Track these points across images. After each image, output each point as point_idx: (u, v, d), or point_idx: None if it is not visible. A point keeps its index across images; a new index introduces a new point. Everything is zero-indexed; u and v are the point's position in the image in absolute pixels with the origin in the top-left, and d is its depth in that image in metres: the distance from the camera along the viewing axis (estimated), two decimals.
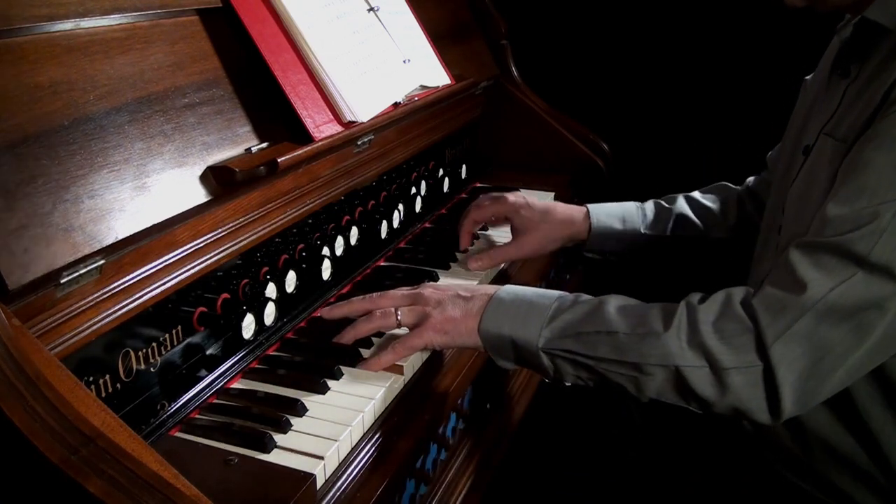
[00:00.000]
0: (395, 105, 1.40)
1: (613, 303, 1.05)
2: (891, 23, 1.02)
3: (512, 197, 1.49)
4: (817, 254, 0.95)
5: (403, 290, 1.16)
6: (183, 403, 1.00)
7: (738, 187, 1.54)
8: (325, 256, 1.31)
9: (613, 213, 1.50)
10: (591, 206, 1.50)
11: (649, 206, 1.52)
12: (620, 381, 1.02)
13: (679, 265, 1.55)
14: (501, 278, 1.50)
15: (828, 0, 1.08)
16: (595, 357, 1.02)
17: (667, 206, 1.51)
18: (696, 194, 1.54)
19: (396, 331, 1.15)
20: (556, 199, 1.92)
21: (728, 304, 0.99)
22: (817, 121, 1.14)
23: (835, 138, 1.06)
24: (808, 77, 1.30)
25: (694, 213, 1.50)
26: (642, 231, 1.48)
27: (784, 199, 1.17)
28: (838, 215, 0.95)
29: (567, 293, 1.10)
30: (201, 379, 1.04)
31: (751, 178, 1.54)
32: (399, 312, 1.13)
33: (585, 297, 1.09)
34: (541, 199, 1.86)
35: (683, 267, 1.55)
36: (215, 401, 1.03)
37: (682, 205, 1.51)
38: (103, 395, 0.91)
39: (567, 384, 1.08)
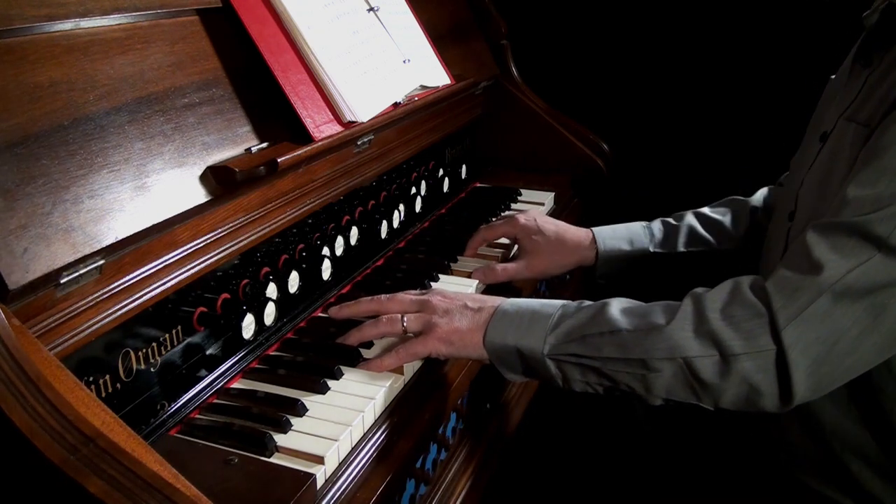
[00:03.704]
0: (395, 105, 1.40)
1: (616, 305, 1.05)
2: None
3: (522, 219, 1.48)
4: (835, 235, 0.94)
5: (411, 296, 1.16)
6: (183, 403, 1.00)
7: (748, 199, 1.51)
8: (325, 256, 1.31)
9: (620, 235, 1.47)
10: (597, 230, 1.48)
11: (656, 224, 1.50)
12: (629, 382, 1.01)
13: (687, 276, 1.53)
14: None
15: None
16: (601, 358, 1.01)
17: (675, 222, 1.49)
18: (706, 210, 1.51)
19: None
20: (556, 198, 1.92)
21: (737, 290, 0.98)
22: (836, 109, 1.13)
23: (857, 122, 1.04)
24: (833, 76, 1.29)
25: (703, 227, 1.47)
26: (651, 250, 1.46)
27: (798, 186, 1.16)
28: (858, 196, 0.94)
29: (570, 301, 1.10)
30: (201, 379, 1.04)
31: (763, 190, 1.52)
32: (405, 319, 1.12)
33: (589, 302, 1.08)
34: (541, 199, 1.88)
35: (691, 278, 1.54)
36: (215, 401, 1.03)
37: (690, 220, 1.48)
38: (103, 395, 0.91)
39: (576, 390, 1.07)
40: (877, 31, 1.09)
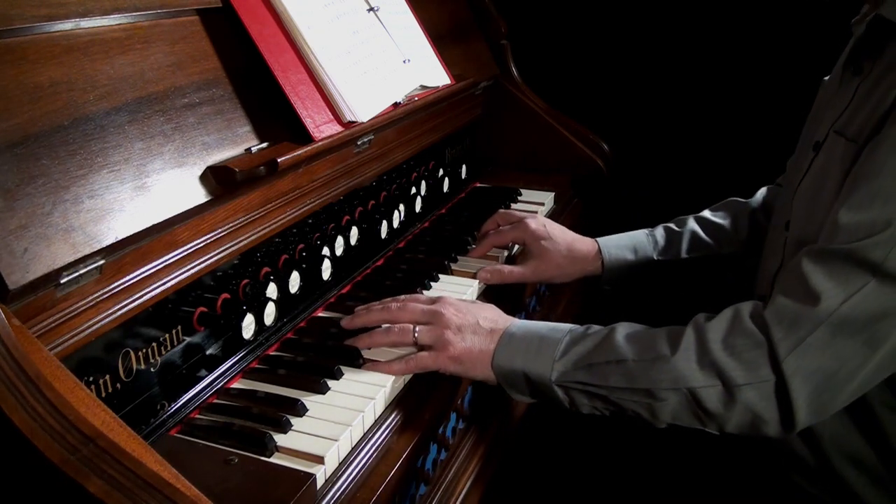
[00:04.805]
0: (395, 105, 1.40)
1: (621, 331, 1.06)
2: None
3: (533, 224, 1.48)
4: (830, 262, 0.94)
5: (422, 305, 1.15)
6: (183, 403, 1.00)
7: (748, 200, 1.52)
8: (325, 256, 1.31)
9: (624, 245, 1.48)
10: (602, 241, 1.49)
11: (659, 231, 1.51)
12: (635, 409, 1.04)
13: (691, 283, 1.54)
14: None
15: None
16: (607, 387, 1.03)
17: (677, 229, 1.50)
18: (706, 213, 1.52)
19: None
20: (556, 198, 1.92)
21: (737, 319, 0.99)
22: (829, 117, 1.14)
23: (846, 137, 1.05)
24: (826, 78, 1.29)
25: (705, 232, 1.48)
26: (655, 258, 1.47)
27: (793, 195, 1.16)
28: (851, 222, 0.94)
29: (578, 325, 1.11)
30: (201, 379, 1.04)
31: (763, 189, 1.53)
32: (417, 330, 1.12)
33: (596, 327, 1.09)
34: (541, 199, 1.88)
35: (696, 284, 1.55)
36: (215, 401, 1.03)
37: (692, 226, 1.49)
38: (103, 395, 0.91)
39: (584, 412, 1.09)
40: (865, 40, 1.10)
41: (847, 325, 0.92)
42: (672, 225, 1.51)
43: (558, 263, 1.46)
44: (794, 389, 0.94)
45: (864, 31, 1.10)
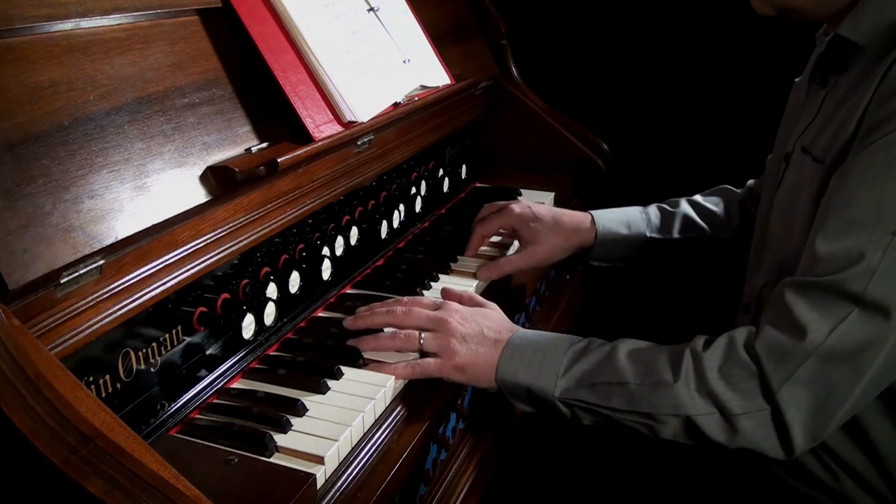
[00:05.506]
0: (395, 105, 1.40)
1: (623, 349, 1.07)
2: (863, 40, 1.03)
3: (518, 208, 1.48)
4: (812, 294, 0.97)
5: (428, 311, 1.15)
6: (183, 403, 1.00)
7: (739, 190, 1.54)
8: (325, 256, 1.31)
9: (618, 219, 1.49)
10: (596, 213, 1.49)
11: (653, 210, 1.52)
12: (636, 427, 1.06)
13: (682, 267, 1.55)
14: (503, 280, 1.50)
15: (799, 12, 1.10)
16: (609, 407, 1.05)
17: (670, 209, 1.51)
18: (699, 198, 1.54)
19: None
20: (556, 198, 1.92)
21: (731, 348, 1.01)
22: (797, 128, 1.16)
23: (812, 157, 1.07)
24: (797, 79, 1.30)
25: (698, 215, 1.49)
26: (648, 235, 1.48)
27: (769, 206, 1.19)
28: (829, 252, 0.96)
29: (578, 338, 1.12)
30: (201, 379, 1.04)
31: (751, 181, 1.54)
32: (422, 337, 1.12)
33: (598, 341, 1.11)
34: (541, 199, 1.87)
35: (687, 268, 1.55)
36: (215, 401, 1.03)
37: (685, 208, 1.51)
38: (103, 395, 0.91)
39: (585, 424, 1.11)
40: (827, 56, 1.12)
41: (834, 355, 0.95)
42: (665, 205, 1.53)
43: (551, 241, 1.46)
44: (789, 418, 0.97)
45: (825, 49, 1.12)
